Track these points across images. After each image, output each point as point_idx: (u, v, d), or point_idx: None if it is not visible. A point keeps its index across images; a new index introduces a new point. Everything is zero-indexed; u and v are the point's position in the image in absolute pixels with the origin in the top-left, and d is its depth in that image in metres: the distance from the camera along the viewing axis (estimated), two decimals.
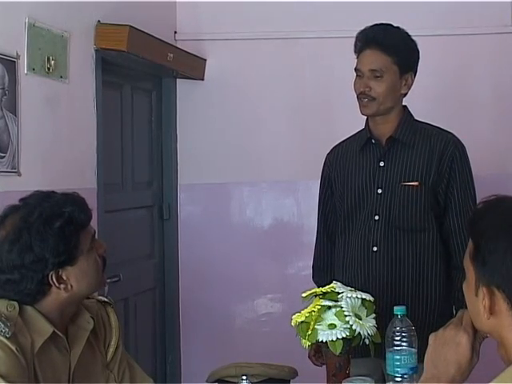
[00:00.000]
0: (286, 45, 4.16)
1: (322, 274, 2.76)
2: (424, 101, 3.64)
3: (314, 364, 2.55)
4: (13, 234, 1.76)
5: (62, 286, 1.81)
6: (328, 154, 2.80)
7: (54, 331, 1.81)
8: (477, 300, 1.46)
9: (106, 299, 1.95)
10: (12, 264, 1.76)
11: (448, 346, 1.55)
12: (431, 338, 1.59)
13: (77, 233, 1.81)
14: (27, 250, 1.75)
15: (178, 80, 4.22)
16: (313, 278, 2.81)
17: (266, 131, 4.21)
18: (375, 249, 2.57)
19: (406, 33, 2.63)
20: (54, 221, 1.78)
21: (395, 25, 2.62)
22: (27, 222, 1.77)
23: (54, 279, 1.79)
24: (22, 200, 1.85)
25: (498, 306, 1.43)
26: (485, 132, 4.06)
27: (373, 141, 2.64)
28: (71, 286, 1.82)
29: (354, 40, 2.64)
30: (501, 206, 1.49)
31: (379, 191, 2.60)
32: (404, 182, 2.58)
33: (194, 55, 4.08)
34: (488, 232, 1.45)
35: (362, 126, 2.71)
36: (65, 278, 1.81)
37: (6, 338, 1.69)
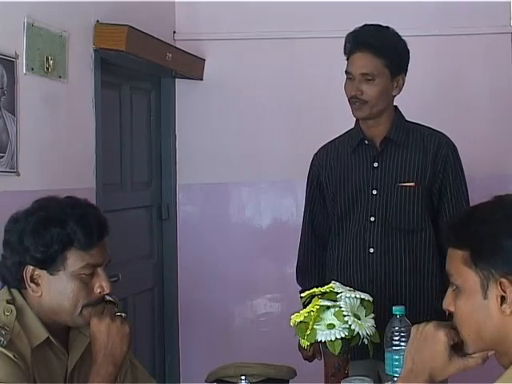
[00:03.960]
0: (285, 45, 4.16)
1: (308, 275, 2.71)
2: (419, 101, 3.64)
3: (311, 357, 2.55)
4: (15, 216, 1.86)
5: (33, 285, 1.81)
6: (316, 154, 2.75)
7: (48, 337, 1.81)
8: (486, 304, 1.42)
9: (111, 298, 1.93)
10: (5, 239, 1.84)
11: (426, 341, 1.53)
12: (413, 329, 1.58)
13: (65, 247, 1.80)
14: (21, 233, 1.81)
15: (176, 80, 4.22)
16: (297, 279, 2.75)
17: (265, 131, 4.21)
18: (372, 250, 2.56)
19: (397, 33, 2.59)
20: (52, 224, 1.80)
21: (388, 25, 2.59)
22: (35, 214, 1.82)
23: (28, 274, 1.81)
24: (67, 197, 1.92)
25: None
26: (481, 132, 4.06)
27: (366, 142, 2.62)
28: (41, 294, 1.82)
29: None
30: (483, 207, 1.48)
31: (374, 192, 2.58)
32: (400, 182, 2.57)
33: (193, 55, 4.08)
34: (489, 224, 1.42)
35: None
36: (37, 279, 1.81)
37: (2, 346, 1.70)
